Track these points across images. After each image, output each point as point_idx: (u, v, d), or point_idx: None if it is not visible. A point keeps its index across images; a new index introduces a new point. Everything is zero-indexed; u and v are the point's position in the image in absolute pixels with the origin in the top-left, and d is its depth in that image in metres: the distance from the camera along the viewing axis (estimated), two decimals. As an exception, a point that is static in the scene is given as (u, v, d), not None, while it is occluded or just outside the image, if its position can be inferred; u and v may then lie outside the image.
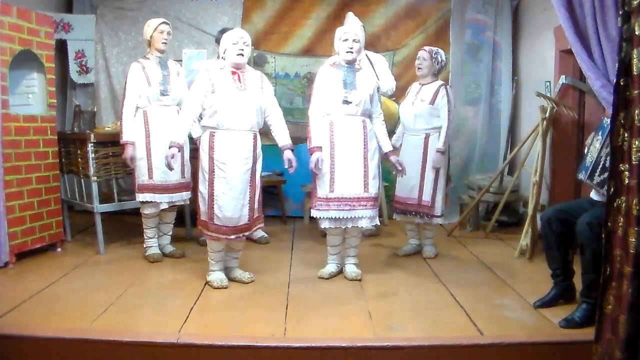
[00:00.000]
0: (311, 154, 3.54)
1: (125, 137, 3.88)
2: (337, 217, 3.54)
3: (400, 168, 3.70)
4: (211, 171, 3.35)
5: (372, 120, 3.64)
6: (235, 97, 3.34)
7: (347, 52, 3.55)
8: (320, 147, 3.54)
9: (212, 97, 3.32)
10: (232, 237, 3.41)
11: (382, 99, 4.44)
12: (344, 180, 3.54)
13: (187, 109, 3.41)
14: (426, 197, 4.09)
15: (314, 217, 3.63)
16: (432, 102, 4.05)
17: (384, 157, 3.73)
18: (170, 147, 3.34)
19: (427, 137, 4.09)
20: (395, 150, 4.06)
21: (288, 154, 3.46)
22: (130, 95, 3.90)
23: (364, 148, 3.55)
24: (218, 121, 3.33)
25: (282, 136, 3.50)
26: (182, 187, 4.03)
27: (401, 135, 4.25)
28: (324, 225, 3.59)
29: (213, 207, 3.35)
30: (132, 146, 3.89)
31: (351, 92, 3.53)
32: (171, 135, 3.41)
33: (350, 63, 3.60)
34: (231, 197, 3.35)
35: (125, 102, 3.91)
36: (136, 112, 3.93)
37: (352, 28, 3.68)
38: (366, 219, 3.56)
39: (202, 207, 3.42)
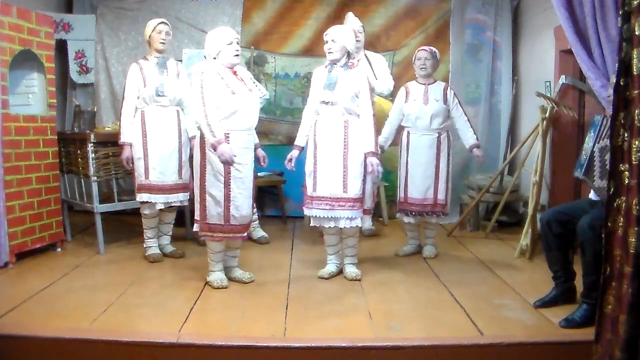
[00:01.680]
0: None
1: (123, 138, 3.93)
2: (318, 215, 3.59)
3: (372, 170, 3.52)
4: (227, 173, 3.33)
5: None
6: (249, 98, 3.38)
7: (328, 52, 3.58)
8: (299, 147, 3.68)
9: (232, 98, 3.29)
10: (245, 234, 3.51)
11: (376, 98, 4.40)
12: (324, 180, 3.58)
13: (213, 112, 3.22)
14: (441, 195, 4.15)
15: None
16: (445, 102, 4.12)
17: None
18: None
19: (439, 136, 4.14)
20: (383, 151, 4.07)
21: (261, 152, 3.63)
22: (129, 97, 3.94)
23: (344, 148, 3.54)
24: (236, 123, 3.33)
25: (255, 135, 3.62)
26: (179, 188, 4.02)
27: (390, 136, 4.22)
28: (311, 223, 3.67)
29: (229, 208, 3.36)
30: (130, 147, 3.92)
31: (330, 93, 3.52)
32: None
33: (335, 63, 3.59)
34: (246, 195, 3.42)
35: (124, 104, 3.96)
36: (135, 113, 3.95)
37: (332, 29, 3.61)
38: (345, 219, 3.54)
39: (214, 210, 3.35)
